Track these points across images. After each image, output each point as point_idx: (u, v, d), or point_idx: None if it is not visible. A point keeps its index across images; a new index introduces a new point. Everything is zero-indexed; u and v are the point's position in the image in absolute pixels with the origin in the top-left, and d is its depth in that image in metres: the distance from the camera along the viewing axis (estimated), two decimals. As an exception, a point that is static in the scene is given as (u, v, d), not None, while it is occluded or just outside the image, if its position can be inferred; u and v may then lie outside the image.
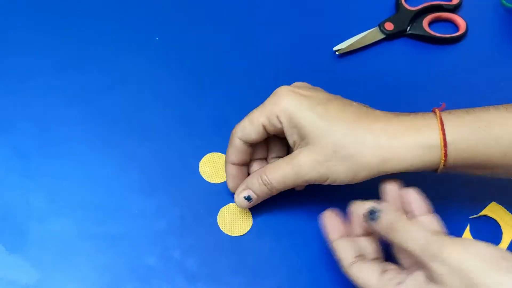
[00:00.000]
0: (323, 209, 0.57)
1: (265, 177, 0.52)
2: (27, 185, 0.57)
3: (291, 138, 0.51)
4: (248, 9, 0.70)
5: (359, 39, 0.68)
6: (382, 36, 0.69)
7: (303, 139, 0.50)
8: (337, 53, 0.67)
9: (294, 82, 0.55)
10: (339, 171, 0.48)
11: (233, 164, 0.55)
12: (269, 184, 0.52)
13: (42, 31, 0.66)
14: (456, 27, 0.71)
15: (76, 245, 0.54)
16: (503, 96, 0.66)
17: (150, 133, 0.61)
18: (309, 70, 0.66)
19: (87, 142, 0.60)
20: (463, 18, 0.71)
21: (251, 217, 0.56)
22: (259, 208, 0.56)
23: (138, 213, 0.56)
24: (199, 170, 0.57)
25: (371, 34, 0.69)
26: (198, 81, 0.64)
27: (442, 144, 0.47)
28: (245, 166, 0.56)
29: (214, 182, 0.57)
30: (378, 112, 0.50)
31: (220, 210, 0.57)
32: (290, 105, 0.49)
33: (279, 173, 0.51)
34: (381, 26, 0.69)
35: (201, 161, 0.58)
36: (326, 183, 0.50)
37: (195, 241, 0.55)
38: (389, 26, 0.69)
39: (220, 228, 0.56)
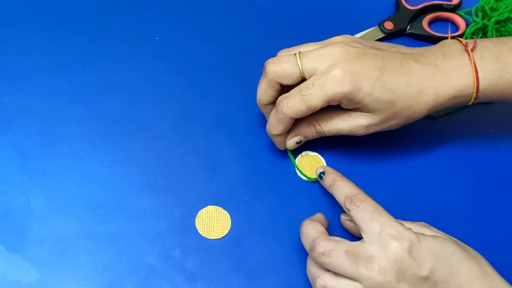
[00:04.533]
0: (323, 210, 0.57)
1: (320, 127, 0.56)
2: (27, 184, 0.57)
3: (349, 107, 0.54)
4: (248, 9, 0.70)
5: (358, 38, 0.68)
6: (382, 35, 0.69)
7: (362, 107, 0.53)
8: (337, 52, 0.67)
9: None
10: (393, 125, 0.55)
11: (278, 135, 0.57)
12: (322, 133, 0.57)
13: (42, 31, 0.66)
14: (456, 26, 0.71)
15: (76, 245, 0.54)
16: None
17: (150, 132, 0.61)
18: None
19: (88, 141, 0.60)
20: (463, 18, 0.71)
21: (230, 221, 0.56)
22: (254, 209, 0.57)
23: (138, 213, 0.56)
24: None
25: (371, 33, 0.69)
26: (198, 80, 0.65)
27: (475, 78, 0.53)
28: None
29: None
30: (415, 62, 0.54)
31: (198, 213, 0.56)
32: (351, 89, 0.51)
33: (334, 127, 0.56)
34: (381, 25, 0.70)
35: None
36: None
37: (195, 241, 0.55)
38: (389, 25, 0.69)
39: (198, 231, 0.56)
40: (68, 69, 0.64)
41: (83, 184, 0.57)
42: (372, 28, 0.69)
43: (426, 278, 0.46)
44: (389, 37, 0.69)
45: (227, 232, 0.56)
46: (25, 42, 0.65)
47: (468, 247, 0.50)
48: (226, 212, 0.56)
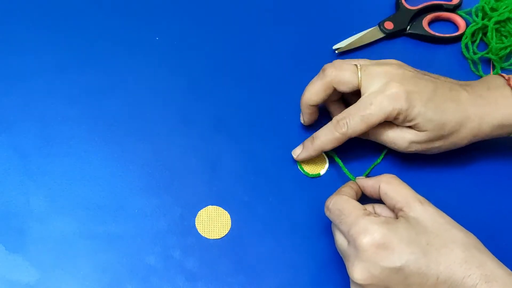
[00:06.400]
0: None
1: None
2: (27, 185, 0.57)
3: (402, 124, 0.55)
4: (248, 8, 0.70)
5: (358, 37, 0.68)
6: (381, 35, 0.69)
7: (414, 126, 0.55)
8: (336, 51, 0.68)
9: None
10: (434, 149, 0.56)
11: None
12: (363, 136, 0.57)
13: (42, 31, 0.66)
14: (456, 26, 0.71)
15: (76, 245, 0.54)
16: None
17: (150, 132, 0.61)
18: (308, 68, 0.65)
19: (87, 141, 0.60)
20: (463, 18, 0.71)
21: (230, 221, 0.56)
22: (251, 209, 0.57)
23: (138, 213, 0.56)
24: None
25: (371, 33, 0.69)
26: (198, 80, 0.65)
27: None
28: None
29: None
30: (463, 91, 0.56)
31: (198, 213, 0.56)
32: (407, 106, 0.53)
33: (379, 135, 0.57)
34: (381, 25, 0.69)
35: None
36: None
37: (195, 241, 0.55)
38: (389, 25, 0.69)
39: (198, 231, 0.56)
40: (67, 69, 0.64)
41: (83, 184, 0.57)
42: (372, 28, 0.69)
43: (398, 269, 0.46)
44: (389, 37, 0.69)
45: (227, 232, 0.56)
46: (25, 42, 0.65)
47: (456, 228, 0.48)
48: (226, 212, 0.56)
